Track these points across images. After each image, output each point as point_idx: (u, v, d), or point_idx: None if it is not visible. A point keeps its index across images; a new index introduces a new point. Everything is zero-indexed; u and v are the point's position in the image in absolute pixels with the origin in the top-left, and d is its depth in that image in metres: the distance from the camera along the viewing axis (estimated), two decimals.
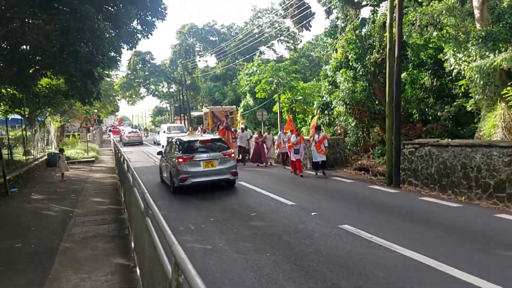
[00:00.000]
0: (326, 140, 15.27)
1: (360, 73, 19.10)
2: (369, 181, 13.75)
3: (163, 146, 30.73)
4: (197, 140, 12.92)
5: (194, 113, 52.56)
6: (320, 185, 13.08)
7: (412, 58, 19.97)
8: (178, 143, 13.23)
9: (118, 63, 20.46)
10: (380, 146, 17.58)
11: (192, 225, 8.31)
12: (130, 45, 19.26)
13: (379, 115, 19.15)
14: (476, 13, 13.41)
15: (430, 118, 20.99)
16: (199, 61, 53.11)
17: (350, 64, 19.70)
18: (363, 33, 19.59)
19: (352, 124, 18.84)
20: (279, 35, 46.15)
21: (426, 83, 20.71)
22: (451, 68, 15.02)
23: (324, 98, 21.39)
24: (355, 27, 19.48)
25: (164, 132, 31.43)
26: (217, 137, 15.05)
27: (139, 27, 17.48)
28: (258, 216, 8.88)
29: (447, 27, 14.94)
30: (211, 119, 21.07)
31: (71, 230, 8.28)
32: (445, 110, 18.61)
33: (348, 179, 14.06)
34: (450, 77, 19.35)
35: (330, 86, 20.49)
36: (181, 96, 49.72)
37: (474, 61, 13.04)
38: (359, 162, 16.43)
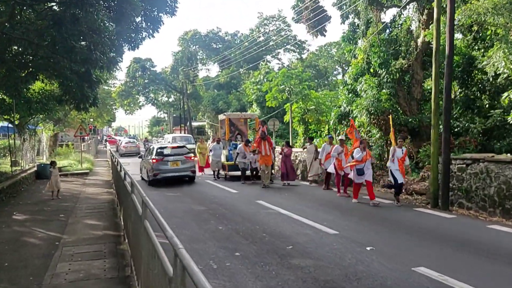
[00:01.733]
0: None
1: (385, 80, 17.32)
2: (407, 202, 11.87)
3: None
4: (166, 147, 18.07)
5: (195, 123, 50.70)
6: (353, 207, 11.17)
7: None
8: (153, 148, 17.97)
9: (118, 65, 18.61)
10: (410, 162, 15.73)
11: (213, 263, 6.37)
12: (133, 44, 17.45)
13: (405, 127, 17.36)
14: None
15: (457, 130, 19.24)
16: (201, 69, 51.52)
17: (372, 70, 17.94)
18: (386, 37, 17.83)
19: (377, 136, 16.99)
20: (285, 44, 44.56)
21: (453, 93, 18.97)
22: (499, 72, 13.20)
23: (342, 108, 19.57)
24: (379, 31, 17.74)
25: (169, 143, 28.35)
26: (181, 144, 21.26)
27: (143, 25, 15.74)
28: (297, 250, 6.94)
29: (494, 27, 13.17)
30: (228, 128, 18.84)
31: (56, 268, 6.31)
32: (477, 122, 16.68)
33: (380, 198, 12.17)
34: (479, 85, 17.70)
35: (350, 95, 18.67)
36: (181, 105, 47.82)
37: None
38: (389, 179, 14.53)
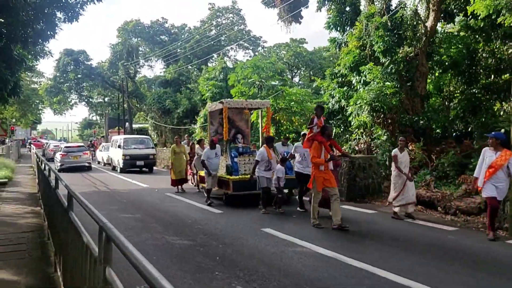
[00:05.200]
0: None
1: (389, 70, 14.39)
2: (458, 225, 8.77)
3: (114, 168, 23.42)
4: (70, 146, 27.04)
5: (135, 125, 45.70)
6: (423, 240, 7.83)
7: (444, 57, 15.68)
8: (60, 147, 26.96)
9: (49, 41, 14.05)
10: (426, 170, 12.82)
11: None
12: (70, 13, 13.27)
13: (410, 127, 14.55)
14: None
15: (456, 133, 16.86)
16: (143, 65, 46.45)
17: (372, 58, 14.99)
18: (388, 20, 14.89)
19: (383, 138, 13.94)
20: (238, 39, 40.97)
21: (452, 90, 16.54)
22: None
23: (331, 105, 16.40)
24: (381, 11, 14.80)
25: (120, 147, 22.17)
26: (81, 143, 31.23)
27: None
28: None
29: None
30: (226, 121, 11.86)
31: None
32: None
33: (421, 220, 9.01)
34: (485, 81, 15.41)
35: (345, 88, 15.54)
36: (120, 104, 42.59)
37: None
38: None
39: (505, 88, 14.52)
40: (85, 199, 3.36)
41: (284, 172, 10.19)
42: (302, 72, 47.01)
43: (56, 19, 12.97)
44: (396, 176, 9.43)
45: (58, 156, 24.66)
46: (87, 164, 24.24)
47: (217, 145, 11.69)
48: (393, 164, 9.56)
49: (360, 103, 14.06)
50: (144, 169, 22.27)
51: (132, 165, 21.63)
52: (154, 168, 23.13)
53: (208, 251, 6.71)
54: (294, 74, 46.70)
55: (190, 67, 38.61)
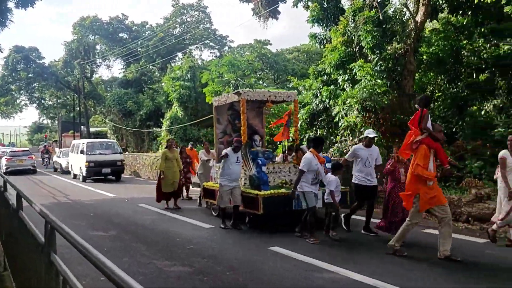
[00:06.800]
0: None
1: (378, 68, 13.57)
2: (470, 233, 7.92)
3: (75, 176, 21.12)
4: (16, 150, 29.07)
5: (92, 129, 43.11)
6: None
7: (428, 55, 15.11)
8: (7, 151, 28.34)
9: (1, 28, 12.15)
10: None
11: None
12: None
13: (398, 128, 13.77)
14: None
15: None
16: (101, 64, 43.73)
17: (360, 55, 14.14)
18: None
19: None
20: (204, 38, 39.34)
21: (436, 88, 16.03)
22: None
23: (314, 105, 15.39)
24: (370, 4, 13.96)
25: (83, 152, 19.77)
26: (26, 148, 34.13)
27: None
28: None
29: None
30: (244, 118, 9.05)
31: None
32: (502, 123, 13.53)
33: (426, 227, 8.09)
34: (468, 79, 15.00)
35: (331, 87, 14.56)
36: (76, 106, 39.91)
37: None
38: None
39: (487, 88, 14.21)
40: None
41: (339, 183, 7.73)
42: (266, 74, 46.18)
43: (7, 3, 11.24)
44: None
45: (3, 161, 26.19)
46: (32, 167, 26.18)
47: (240, 148, 8.69)
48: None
49: (349, 102, 13.11)
50: (110, 177, 20.23)
51: (97, 172, 19.38)
52: (122, 175, 21.14)
53: (216, 281, 5.41)
54: (258, 75, 45.74)
55: (153, 66, 36.62)
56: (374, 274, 5.38)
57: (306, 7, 17.21)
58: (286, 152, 11.16)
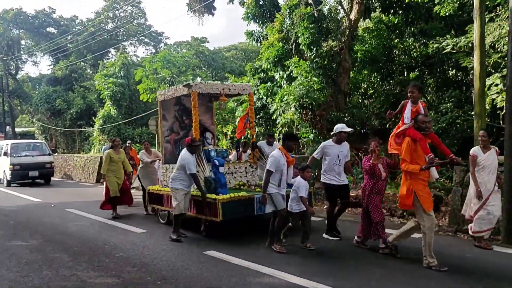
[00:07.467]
0: None
1: (314, 65, 13.63)
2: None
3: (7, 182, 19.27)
4: None
5: (18, 129, 40.34)
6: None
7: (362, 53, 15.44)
8: None
9: None
10: (358, 169, 12.22)
11: None
12: None
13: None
14: None
15: (373, 129, 16.85)
16: (27, 61, 40.83)
17: (297, 51, 14.15)
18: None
19: (310, 137, 13.08)
20: (139, 33, 37.90)
21: (369, 86, 16.46)
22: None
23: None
24: (306, 1, 13.98)
25: (6, 154, 18.31)
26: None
27: None
28: None
29: None
30: (196, 113, 8.09)
31: None
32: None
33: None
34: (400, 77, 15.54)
35: (268, 84, 14.44)
36: (0, 105, 37.11)
37: None
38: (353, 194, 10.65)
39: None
40: None
41: (307, 188, 6.75)
42: (204, 72, 45.70)
43: None
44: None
45: None
46: None
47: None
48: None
49: (286, 99, 13.07)
50: (39, 180, 18.84)
51: (23, 176, 17.94)
52: (52, 178, 19.76)
53: None
54: (195, 73, 45.16)
55: (83, 63, 34.81)
56: (315, 276, 5.23)
57: (242, 4, 17.03)
58: (241, 149, 10.72)
